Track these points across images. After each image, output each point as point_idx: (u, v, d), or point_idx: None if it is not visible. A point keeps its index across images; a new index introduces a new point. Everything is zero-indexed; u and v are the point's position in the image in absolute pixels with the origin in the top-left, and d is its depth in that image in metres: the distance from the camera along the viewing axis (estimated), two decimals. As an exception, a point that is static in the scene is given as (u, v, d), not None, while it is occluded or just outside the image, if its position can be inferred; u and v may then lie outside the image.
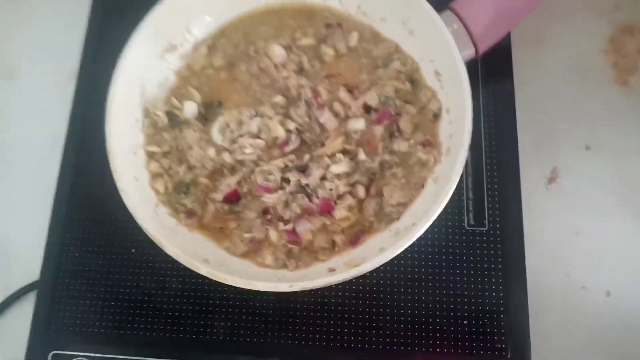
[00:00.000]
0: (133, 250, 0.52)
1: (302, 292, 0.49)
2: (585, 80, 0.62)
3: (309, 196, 0.48)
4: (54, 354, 0.50)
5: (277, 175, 0.48)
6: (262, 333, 0.48)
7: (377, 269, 0.48)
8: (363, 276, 0.49)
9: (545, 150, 0.59)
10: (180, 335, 0.49)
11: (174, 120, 0.52)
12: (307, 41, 0.54)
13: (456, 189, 0.47)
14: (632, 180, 0.57)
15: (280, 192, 0.48)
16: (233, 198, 0.49)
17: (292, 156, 0.49)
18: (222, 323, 0.48)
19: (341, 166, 0.48)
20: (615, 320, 0.53)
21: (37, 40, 0.69)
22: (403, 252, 0.43)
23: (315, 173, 0.48)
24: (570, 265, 0.55)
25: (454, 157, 0.45)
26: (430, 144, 0.49)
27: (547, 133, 0.59)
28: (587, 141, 0.59)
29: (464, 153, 0.45)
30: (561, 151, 0.59)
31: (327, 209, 0.48)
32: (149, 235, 0.45)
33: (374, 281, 0.49)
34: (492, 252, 0.49)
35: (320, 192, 0.47)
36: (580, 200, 0.57)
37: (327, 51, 0.53)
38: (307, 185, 0.48)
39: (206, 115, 0.53)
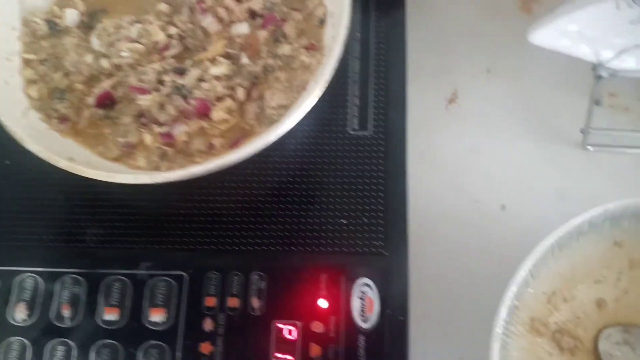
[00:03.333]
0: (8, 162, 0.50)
1: (178, 197, 0.48)
2: (489, 5, 0.62)
3: (185, 98, 0.46)
4: None
5: (152, 76, 0.46)
6: (136, 239, 0.46)
7: (260, 174, 0.47)
8: (243, 181, 0.48)
9: (446, 72, 0.58)
10: (50, 244, 0.46)
11: (54, 29, 0.50)
12: (192, -51, 0.53)
13: (341, 95, 0.46)
14: (529, 103, 0.57)
15: (155, 93, 0.46)
16: (107, 102, 0.47)
17: (172, 60, 0.48)
18: (94, 230, 0.47)
19: (220, 68, 0.47)
20: (510, 232, 0.53)
21: None
22: (285, 156, 0.42)
23: (192, 74, 0.46)
24: (465, 181, 0.54)
25: (329, 50, 0.44)
26: (314, 47, 0.48)
27: (448, 55, 0.59)
28: (488, 65, 0.59)
29: (339, 47, 0.44)
30: (462, 74, 0.58)
31: (203, 111, 0.46)
32: (8, 130, 0.43)
33: (255, 185, 0.48)
34: (374, 154, 0.48)
35: (197, 93, 0.46)
36: (478, 121, 0.57)
37: (213, -41, 0.52)
38: (183, 86, 0.46)
39: (89, 24, 0.51)
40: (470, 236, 0.52)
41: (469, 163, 0.55)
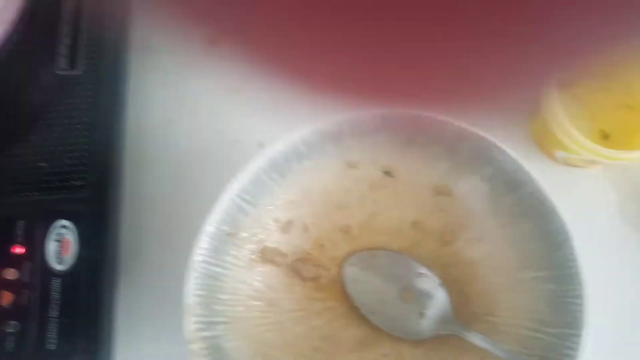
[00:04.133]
0: None
1: None
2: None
3: None
4: None
5: None
6: None
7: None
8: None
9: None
10: None
11: None
12: None
13: (50, 34, 0.44)
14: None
15: None
16: None
17: None
18: None
19: None
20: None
21: None
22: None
23: None
24: (224, 122, 0.52)
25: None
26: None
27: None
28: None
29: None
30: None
31: None
32: None
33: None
34: (82, 93, 0.45)
35: None
36: (240, 61, 0.55)
37: None
38: None
39: None
40: (222, 176, 0.49)
41: (230, 104, 0.53)
